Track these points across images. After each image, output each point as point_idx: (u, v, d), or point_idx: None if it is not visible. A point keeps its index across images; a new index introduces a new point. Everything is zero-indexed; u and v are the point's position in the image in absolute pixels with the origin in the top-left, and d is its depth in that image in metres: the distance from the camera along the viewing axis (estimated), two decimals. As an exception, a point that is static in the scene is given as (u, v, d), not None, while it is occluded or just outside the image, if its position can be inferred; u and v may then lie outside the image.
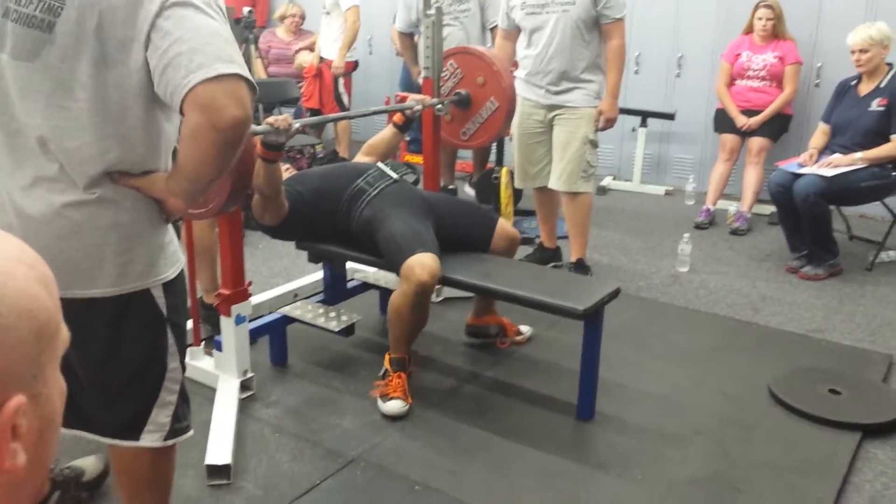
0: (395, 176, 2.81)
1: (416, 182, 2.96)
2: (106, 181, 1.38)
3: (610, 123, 3.52)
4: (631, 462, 2.30)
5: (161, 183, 1.41)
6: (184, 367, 1.58)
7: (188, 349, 2.71)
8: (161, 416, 1.54)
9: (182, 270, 1.56)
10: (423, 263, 2.44)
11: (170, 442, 1.57)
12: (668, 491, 2.17)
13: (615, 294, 2.55)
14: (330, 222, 2.73)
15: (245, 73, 1.27)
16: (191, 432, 1.63)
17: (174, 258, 1.53)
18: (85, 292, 1.41)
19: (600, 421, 2.52)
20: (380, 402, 2.53)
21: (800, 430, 2.50)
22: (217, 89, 1.23)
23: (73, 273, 1.39)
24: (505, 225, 2.88)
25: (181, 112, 1.27)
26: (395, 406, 2.50)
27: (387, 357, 2.61)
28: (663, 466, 2.28)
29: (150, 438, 1.55)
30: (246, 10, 5.54)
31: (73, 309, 1.41)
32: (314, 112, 5.55)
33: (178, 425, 1.58)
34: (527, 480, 2.20)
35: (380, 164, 2.87)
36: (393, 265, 2.54)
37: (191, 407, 1.65)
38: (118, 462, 1.65)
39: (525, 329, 3.06)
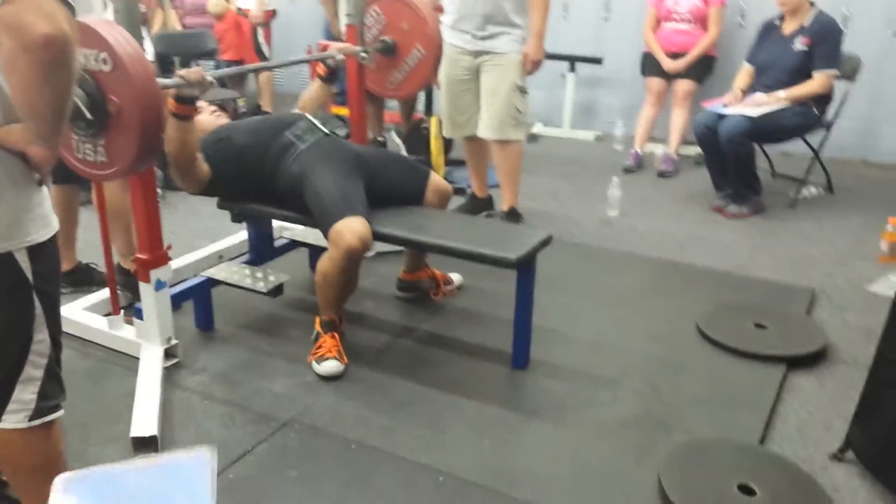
0: (324, 130, 2.70)
1: (347, 136, 2.87)
2: None
3: (536, 67, 3.47)
4: (565, 407, 2.32)
5: (17, 132, 1.31)
6: (55, 342, 1.49)
7: (108, 318, 2.64)
8: (25, 393, 1.45)
9: (55, 235, 1.46)
10: (351, 229, 2.36)
11: (36, 422, 1.47)
12: (600, 433, 2.20)
13: (547, 241, 2.53)
14: (256, 178, 2.62)
15: None
16: (61, 412, 1.53)
17: (44, 221, 1.42)
18: None
19: (534, 368, 2.53)
20: (314, 364, 2.48)
21: (728, 364, 2.56)
22: (20, 7, 1.14)
23: None
24: (436, 178, 2.82)
25: None
26: (330, 366, 2.45)
27: (317, 320, 2.55)
28: (596, 409, 2.31)
29: (13, 419, 1.46)
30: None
31: None
32: (233, 65, 5.34)
33: (46, 403, 1.48)
34: (462, 431, 2.20)
35: (308, 116, 2.76)
36: (321, 228, 2.46)
37: (62, 386, 1.54)
38: None
39: (455, 277, 3.04)
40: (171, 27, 5.29)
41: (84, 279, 3.08)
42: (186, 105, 2.31)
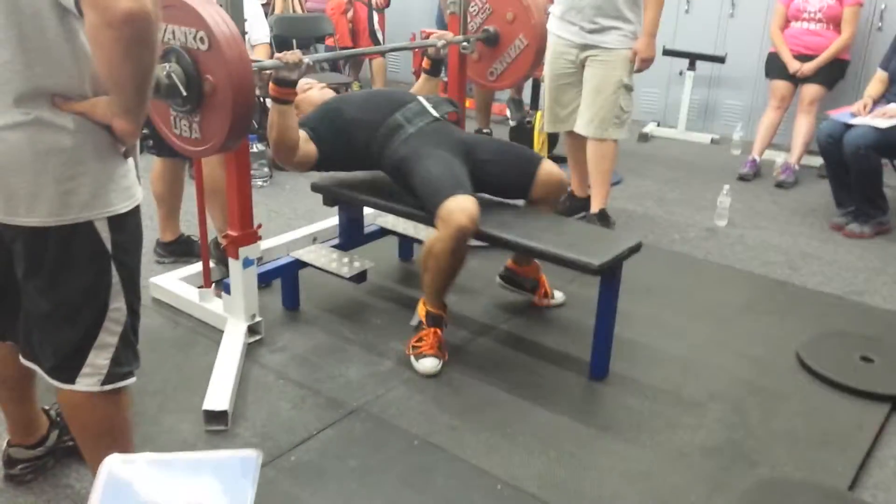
0: (435, 114, 2.62)
1: (458, 119, 2.79)
2: (43, 102, 1.32)
3: (646, 64, 3.32)
4: (641, 426, 2.21)
5: (103, 105, 1.34)
6: (132, 310, 1.53)
7: (200, 290, 2.72)
8: (99, 358, 1.50)
9: (137, 207, 1.49)
10: (462, 207, 2.29)
11: (108, 387, 1.52)
12: (676, 459, 2.08)
13: (636, 248, 2.42)
14: (361, 154, 2.61)
15: None
16: (132, 379, 1.58)
17: (127, 193, 1.46)
18: (25, 220, 1.37)
19: (613, 381, 2.43)
20: (413, 359, 2.44)
21: (826, 398, 2.37)
22: None
23: (14, 199, 1.35)
24: (549, 166, 2.63)
25: (81, 14, 1.20)
26: (429, 364, 2.41)
27: (421, 307, 2.49)
28: (675, 433, 2.19)
29: (86, 382, 1.50)
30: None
31: (20, 234, 1.39)
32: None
33: (118, 370, 1.53)
34: (529, 440, 2.13)
35: (420, 98, 2.67)
36: (430, 207, 2.37)
37: (136, 353, 1.58)
38: (63, 407, 1.62)
39: (558, 295, 2.90)
40: (294, 12, 5.40)
41: (184, 250, 3.20)
42: (285, 87, 2.34)
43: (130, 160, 1.48)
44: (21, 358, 1.58)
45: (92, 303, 1.47)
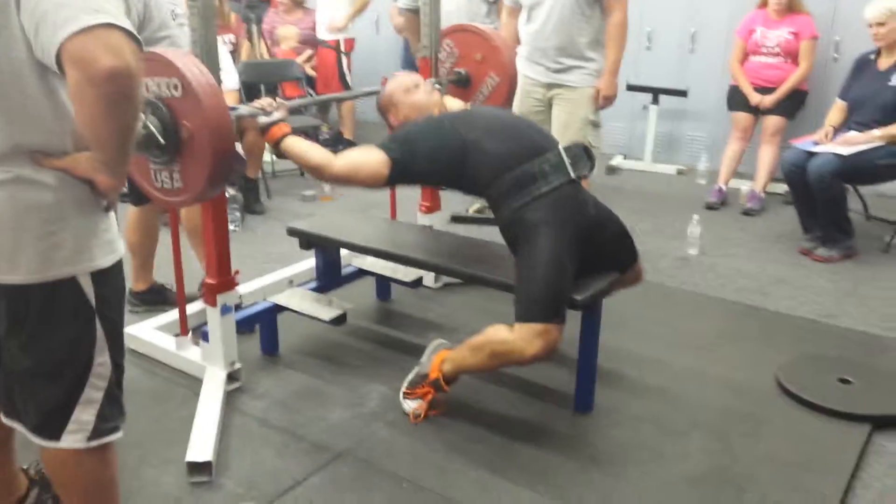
0: (572, 175, 2.30)
1: (589, 171, 2.44)
2: (23, 160, 1.31)
3: (608, 102, 3.40)
4: (628, 458, 2.21)
5: (84, 161, 1.34)
6: (116, 365, 1.51)
7: (176, 339, 2.69)
8: (85, 414, 1.47)
9: (119, 261, 1.48)
10: (549, 339, 2.12)
11: (94, 443, 1.49)
12: (664, 489, 2.08)
13: (615, 283, 2.44)
14: (473, 188, 2.37)
15: (118, 21, 1.19)
16: (119, 434, 1.55)
17: (109, 247, 1.45)
18: (7, 278, 1.35)
19: (598, 413, 2.43)
20: (402, 396, 2.43)
21: (807, 421, 2.40)
22: (87, 41, 1.16)
23: (39, 255, 1.34)
24: (640, 266, 2.57)
25: (62, 72, 1.20)
26: (412, 406, 2.40)
27: (437, 365, 2.36)
28: (661, 462, 2.19)
29: (71, 439, 1.47)
30: (250, -11, 5.44)
31: (1, 292, 1.36)
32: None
33: (104, 425, 1.50)
34: (518, 476, 2.12)
35: (561, 150, 2.34)
36: (519, 306, 2.19)
37: (121, 408, 1.56)
38: (48, 465, 1.58)
39: None
40: (261, 58, 5.43)
41: (158, 299, 3.16)
42: (271, 129, 2.33)
43: (111, 214, 1.48)
44: (2, 417, 1.54)
45: (76, 358, 1.44)
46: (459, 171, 2.32)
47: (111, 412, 1.52)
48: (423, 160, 2.30)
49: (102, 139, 1.27)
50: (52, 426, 1.47)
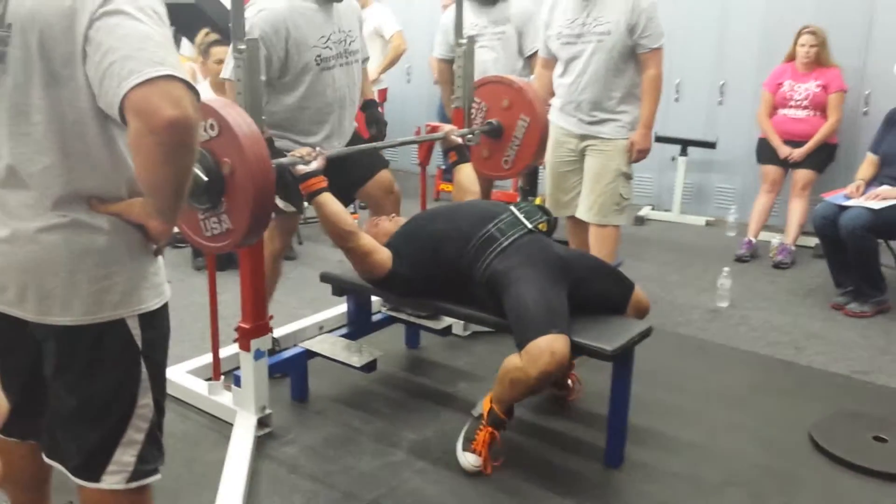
0: (528, 225, 2.47)
1: (551, 228, 2.66)
2: (80, 205, 1.37)
3: (642, 155, 3.42)
4: (660, 514, 2.18)
5: (138, 206, 1.39)
6: (158, 407, 1.53)
7: (209, 383, 2.72)
8: (126, 455, 1.49)
9: (165, 304, 1.52)
10: (553, 349, 2.16)
11: (133, 485, 1.51)
12: (698, 547, 2.05)
13: (647, 333, 2.44)
14: (452, 270, 2.48)
15: (178, 73, 1.24)
16: (157, 476, 1.57)
17: (157, 290, 1.49)
18: (59, 319, 1.39)
19: (629, 468, 2.41)
20: (459, 447, 2.39)
21: (842, 480, 2.36)
22: (149, 92, 1.21)
23: (48, 299, 1.38)
24: (639, 294, 2.60)
25: (124, 121, 1.25)
26: (470, 460, 2.34)
27: (487, 401, 2.36)
28: (694, 519, 2.16)
29: (111, 480, 1.49)
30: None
31: (52, 333, 1.41)
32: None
33: (144, 467, 1.52)
34: (548, 531, 2.10)
35: (513, 209, 2.53)
36: (518, 337, 2.25)
37: (161, 450, 1.58)
38: None
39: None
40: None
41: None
42: (309, 180, 2.39)
43: (160, 258, 1.52)
44: (44, 456, 1.57)
45: (121, 400, 1.48)
46: (435, 258, 2.49)
47: (151, 454, 1.54)
48: (407, 259, 2.50)
49: (159, 186, 1.31)
50: (93, 467, 1.49)
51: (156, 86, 1.22)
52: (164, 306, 1.52)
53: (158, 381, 1.52)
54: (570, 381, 2.82)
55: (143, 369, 1.48)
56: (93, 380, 1.44)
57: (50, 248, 1.36)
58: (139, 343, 1.46)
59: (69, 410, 1.47)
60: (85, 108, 1.32)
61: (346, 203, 2.63)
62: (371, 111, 3.16)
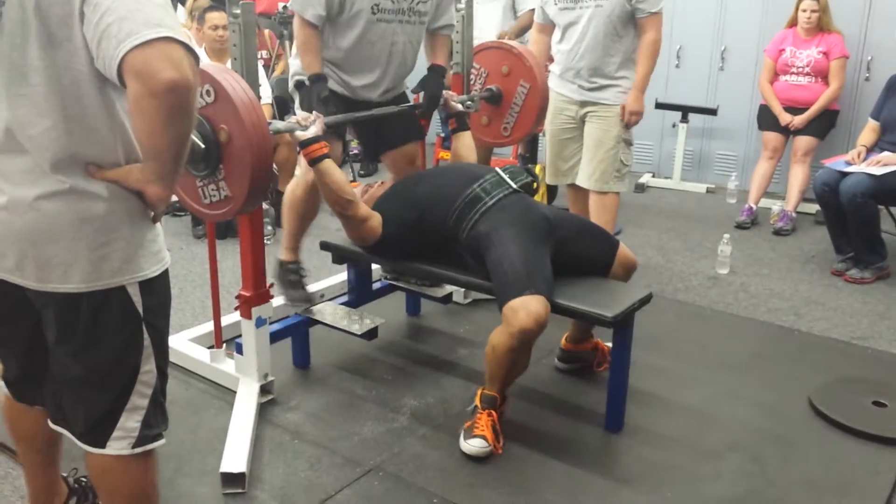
0: (513, 185, 2.50)
1: (535, 188, 2.68)
2: (78, 171, 1.35)
3: (635, 118, 3.37)
4: (661, 478, 2.20)
5: (136, 172, 1.38)
6: (161, 372, 1.54)
7: (210, 350, 2.72)
8: (130, 421, 1.50)
9: (166, 271, 1.51)
10: (528, 309, 2.16)
11: (138, 450, 1.52)
12: (698, 510, 2.07)
13: (647, 300, 2.44)
14: (436, 232, 2.49)
15: (177, 35, 1.22)
16: (162, 441, 1.58)
17: (157, 257, 1.48)
18: (58, 287, 1.38)
19: (630, 433, 2.42)
20: (462, 438, 2.32)
21: (841, 444, 2.37)
22: (148, 54, 1.19)
23: (47, 267, 1.37)
24: (624, 250, 2.60)
25: (122, 84, 1.24)
26: (477, 445, 2.26)
27: (479, 392, 2.36)
28: (695, 483, 2.18)
29: (116, 446, 1.51)
30: (281, 5, 5.52)
31: (51, 301, 1.40)
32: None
33: (148, 432, 1.53)
34: (550, 495, 2.12)
35: (497, 170, 2.55)
36: (497, 300, 2.28)
37: (165, 415, 1.59)
38: (92, 471, 1.60)
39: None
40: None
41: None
42: (310, 146, 2.37)
43: (158, 225, 1.51)
44: (50, 423, 1.58)
45: (124, 366, 1.48)
46: (421, 220, 2.49)
47: (155, 419, 1.55)
48: (394, 223, 2.50)
49: (159, 150, 1.30)
50: (98, 433, 1.50)
51: (154, 48, 1.20)
52: (165, 273, 1.52)
53: (160, 348, 1.52)
54: (594, 349, 2.81)
55: (146, 335, 1.48)
56: (96, 347, 1.44)
57: (49, 216, 1.35)
58: (140, 310, 1.46)
59: (73, 378, 1.47)
60: (82, 71, 1.30)
61: (371, 158, 2.62)
62: (429, 76, 2.89)
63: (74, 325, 1.42)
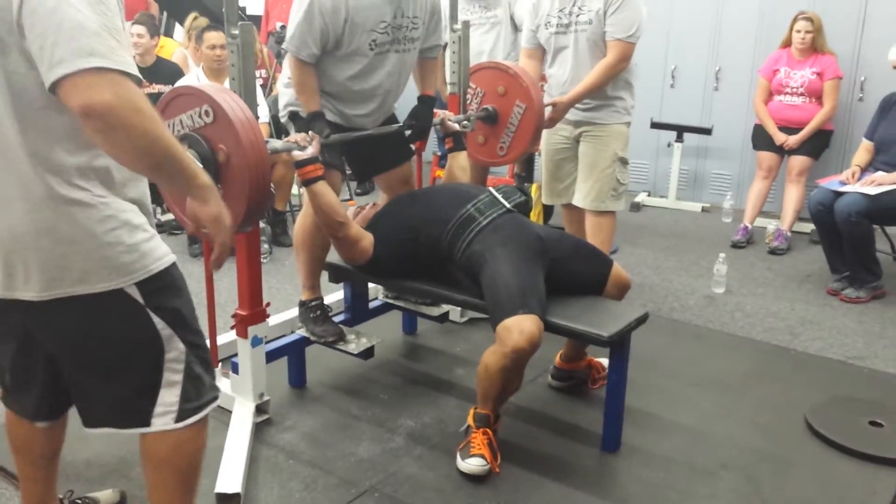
0: (507, 205, 2.51)
1: (528, 207, 2.68)
2: (52, 176, 1.35)
3: (552, 116, 3.31)
4: (657, 498, 2.20)
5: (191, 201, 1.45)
6: (191, 344, 1.55)
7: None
8: (169, 395, 1.53)
9: (167, 267, 1.52)
10: (522, 328, 2.17)
11: (180, 424, 1.55)
12: (695, 530, 2.06)
13: (643, 319, 2.45)
14: (430, 253, 2.50)
15: (109, 63, 1.23)
16: (205, 411, 1.60)
17: (153, 256, 1.49)
18: (67, 291, 1.41)
19: (626, 453, 2.42)
20: (458, 458, 2.30)
21: (837, 464, 2.37)
22: (72, 85, 1.22)
23: (48, 273, 1.40)
24: (618, 270, 2.60)
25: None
26: (475, 464, 2.25)
27: (471, 412, 2.36)
28: (691, 503, 2.17)
29: (160, 422, 1.53)
30: (279, 25, 5.56)
31: (59, 308, 1.42)
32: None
33: (189, 405, 1.55)
34: (546, 515, 2.11)
35: (491, 190, 2.57)
36: (491, 319, 2.28)
37: (206, 384, 1.60)
38: (146, 454, 1.62)
39: (606, 363, 2.71)
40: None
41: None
42: (306, 167, 2.38)
43: (148, 226, 1.51)
44: (86, 429, 1.59)
45: (144, 352, 1.50)
46: (416, 240, 2.51)
47: (194, 392, 1.57)
48: (387, 243, 2.52)
49: (136, 168, 1.35)
50: (140, 412, 1.53)
51: (81, 78, 1.22)
52: (167, 268, 1.52)
53: (182, 323, 1.53)
54: (588, 367, 2.81)
55: (156, 319, 1.49)
56: (106, 340, 1.46)
57: (46, 225, 1.37)
58: (141, 300, 1.47)
59: (97, 377, 1.50)
60: (29, 77, 1.30)
61: (359, 180, 2.62)
62: (420, 108, 2.92)
63: (80, 325, 1.45)
